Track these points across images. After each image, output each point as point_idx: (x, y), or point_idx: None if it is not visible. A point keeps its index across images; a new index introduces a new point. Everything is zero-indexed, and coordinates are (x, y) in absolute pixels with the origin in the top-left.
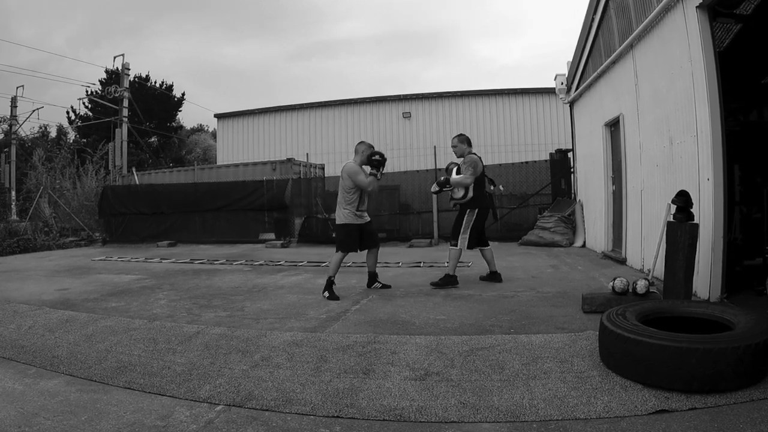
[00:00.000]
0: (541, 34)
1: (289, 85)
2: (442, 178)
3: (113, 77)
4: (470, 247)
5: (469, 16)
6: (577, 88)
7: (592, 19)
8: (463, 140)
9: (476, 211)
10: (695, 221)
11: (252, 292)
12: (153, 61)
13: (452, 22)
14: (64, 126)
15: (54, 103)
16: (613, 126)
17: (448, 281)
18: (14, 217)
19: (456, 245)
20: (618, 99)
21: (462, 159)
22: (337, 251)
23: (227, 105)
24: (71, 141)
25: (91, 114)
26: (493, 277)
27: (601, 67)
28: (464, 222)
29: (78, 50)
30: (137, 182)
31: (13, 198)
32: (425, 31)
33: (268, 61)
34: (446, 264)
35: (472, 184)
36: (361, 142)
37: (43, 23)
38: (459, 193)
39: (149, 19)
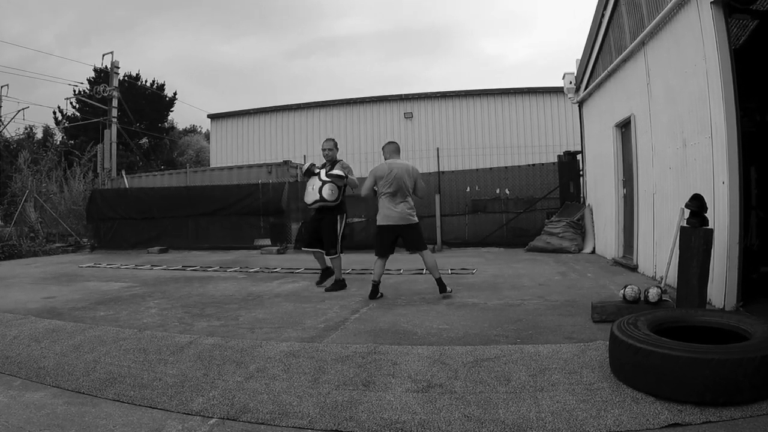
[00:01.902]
0: (548, 32)
1: (289, 84)
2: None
3: (102, 76)
4: (342, 250)
5: (473, 12)
6: (586, 88)
7: (602, 16)
8: (335, 146)
9: (344, 216)
10: (710, 226)
11: (247, 301)
12: (146, 60)
13: (456, 19)
14: (51, 127)
15: (40, 102)
16: (624, 127)
17: (341, 285)
18: None
19: (335, 253)
20: (629, 99)
21: (338, 164)
22: (425, 250)
23: (226, 104)
24: (58, 142)
25: (78, 114)
26: (327, 273)
27: (612, 66)
28: (338, 229)
29: (67, 47)
30: (127, 186)
31: None
32: (427, 28)
33: (267, 59)
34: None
35: (342, 190)
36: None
37: (31, 19)
38: (333, 195)
39: (143, 16)
